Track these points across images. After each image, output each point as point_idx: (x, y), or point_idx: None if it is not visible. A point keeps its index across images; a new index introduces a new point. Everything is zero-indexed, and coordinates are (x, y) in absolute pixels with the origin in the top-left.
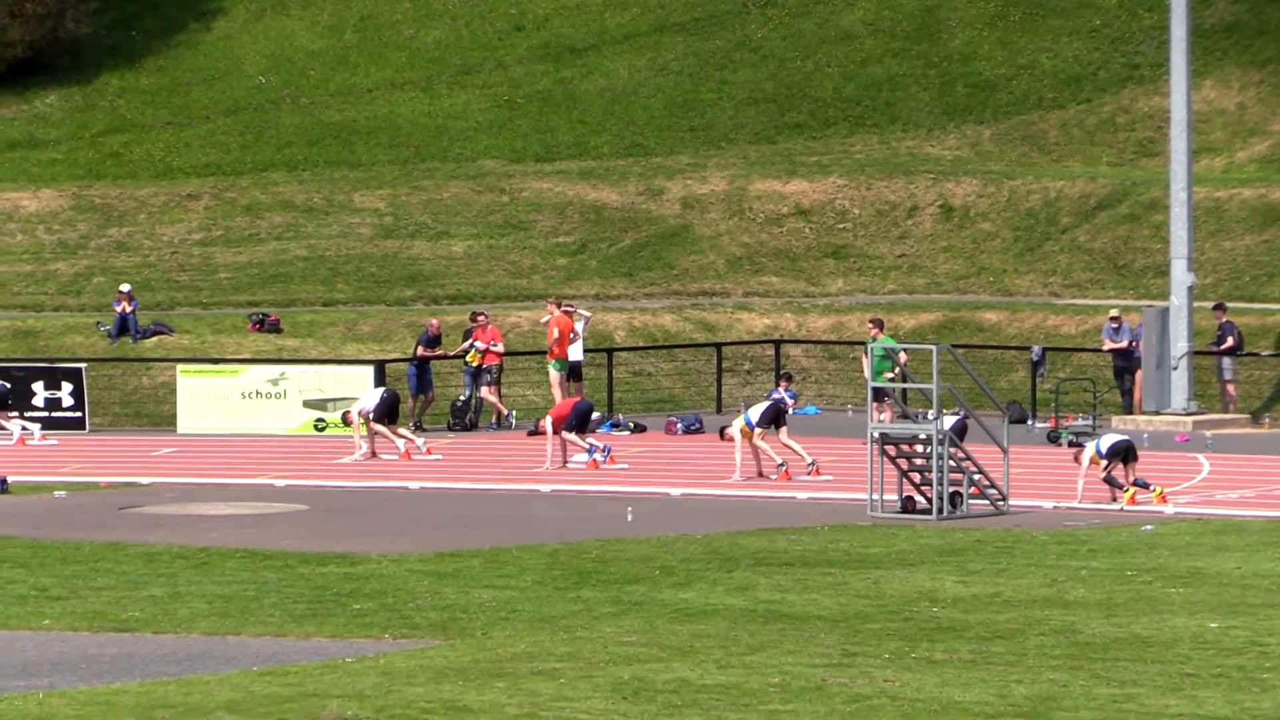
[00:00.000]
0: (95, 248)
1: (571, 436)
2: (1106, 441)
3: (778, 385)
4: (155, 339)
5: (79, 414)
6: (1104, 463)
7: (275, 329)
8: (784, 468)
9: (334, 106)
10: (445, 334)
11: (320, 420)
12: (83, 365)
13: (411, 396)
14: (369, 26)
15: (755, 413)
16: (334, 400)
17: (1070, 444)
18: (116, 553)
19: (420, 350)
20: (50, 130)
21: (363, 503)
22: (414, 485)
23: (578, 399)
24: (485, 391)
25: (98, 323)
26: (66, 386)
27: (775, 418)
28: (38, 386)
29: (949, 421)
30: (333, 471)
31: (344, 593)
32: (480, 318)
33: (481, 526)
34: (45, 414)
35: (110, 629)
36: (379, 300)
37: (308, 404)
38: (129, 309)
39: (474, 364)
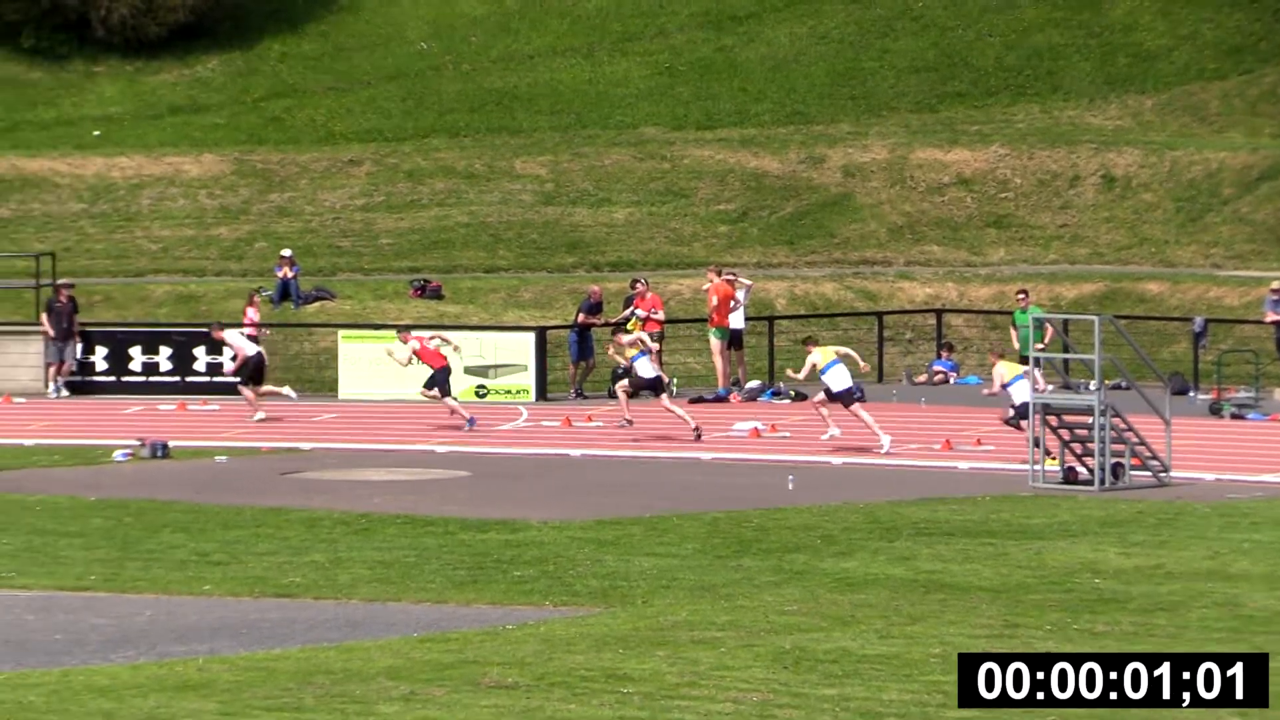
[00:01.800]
0: (257, 213)
1: (435, 394)
2: (1020, 393)
3: (939, 355)
4: (317, 304)
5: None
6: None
7: (437, 295)
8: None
9: (495, 73)
10: (606, 301)
11: (481, 387)
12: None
13: (572, 363)
14: None
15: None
16: (496, 367)
17: (1233, 416)
18: (278, 518)
19: (581, 317)
20: (212, 95)
21: (524, 469)
22: (575, 452)
23: (442, 363)
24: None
25: (259, 288)
26: (228, 352)
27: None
28: (199, 351)
29: None
30: (494, 438)
31: (505, 559)
32: (640, 285)
33: (642, 494)
34: (206, 379)
35: (271, 594)
36: (540, 267)
37: (469, 370)
38: (290, 274)
39: (635, 331)
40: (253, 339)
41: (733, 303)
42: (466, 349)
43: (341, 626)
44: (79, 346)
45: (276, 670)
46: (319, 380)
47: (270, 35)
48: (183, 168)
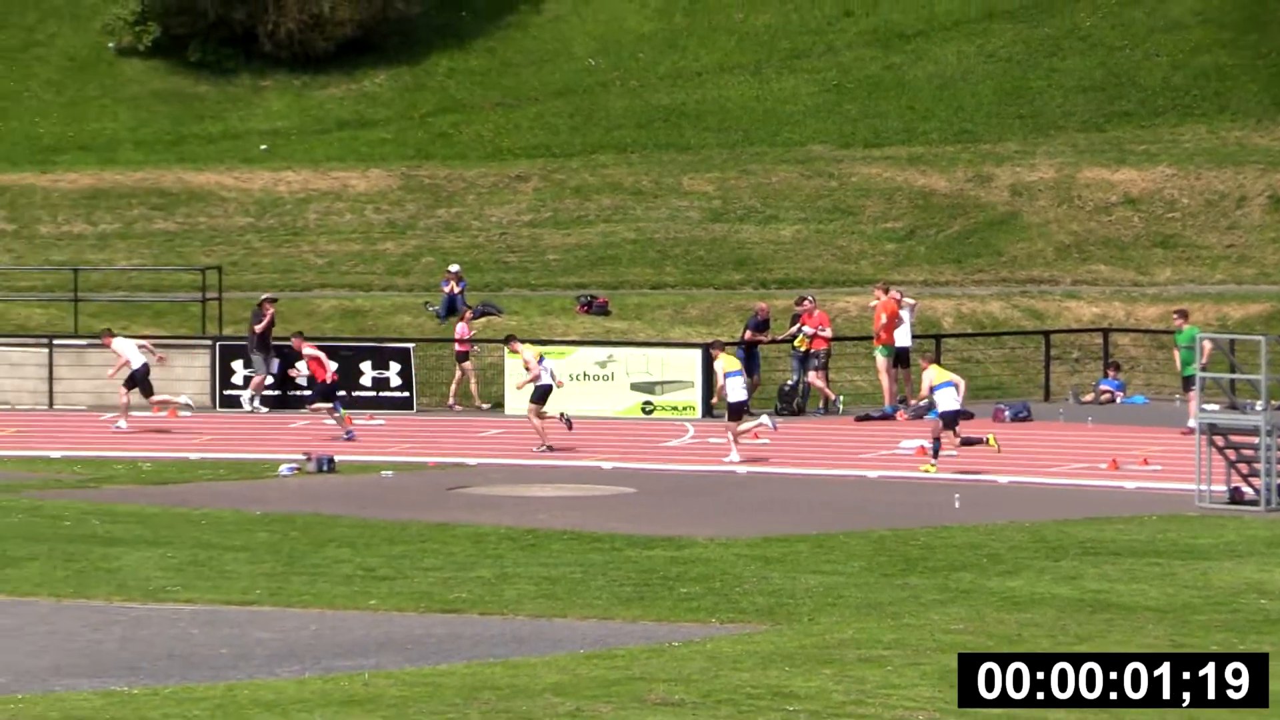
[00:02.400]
0: (424, 228)
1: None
2: (945, 401)
3: (1106, 374)
4: (484, 320)
5: (406, 394)
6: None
7: (603, 311)
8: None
9: (663, 89)
10: (773, 318)
11: (648, 403)
12: (410, 345)
13: None
14: (699, 9)
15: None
16: (662, 383)
17: None
18: (443, 533)
19: (748, 334)
20: (379, 110)
21: (690, 486)
22: (741, 469)
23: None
24: (813, 376)
25: (426, 303)
26: (394, 366)
27: (541, 397)
28: (365, 366)
29: None
30: (660, 454)
31: (671, 576)
32: (806, 302)
33: (808, 511)
34: (373, 394)
35: (437, 610)
36: (707, 284)
37: (635, 386)
38: (457, 289)
39: (802, 349)
40: (463, 354)
41: (898, 320)
42: (634, 365)
43: (507, 642)
44: (276, 362)
45: (442, 686)
46: (485, 395)
47: (438, 51)
48: (349, 182)
